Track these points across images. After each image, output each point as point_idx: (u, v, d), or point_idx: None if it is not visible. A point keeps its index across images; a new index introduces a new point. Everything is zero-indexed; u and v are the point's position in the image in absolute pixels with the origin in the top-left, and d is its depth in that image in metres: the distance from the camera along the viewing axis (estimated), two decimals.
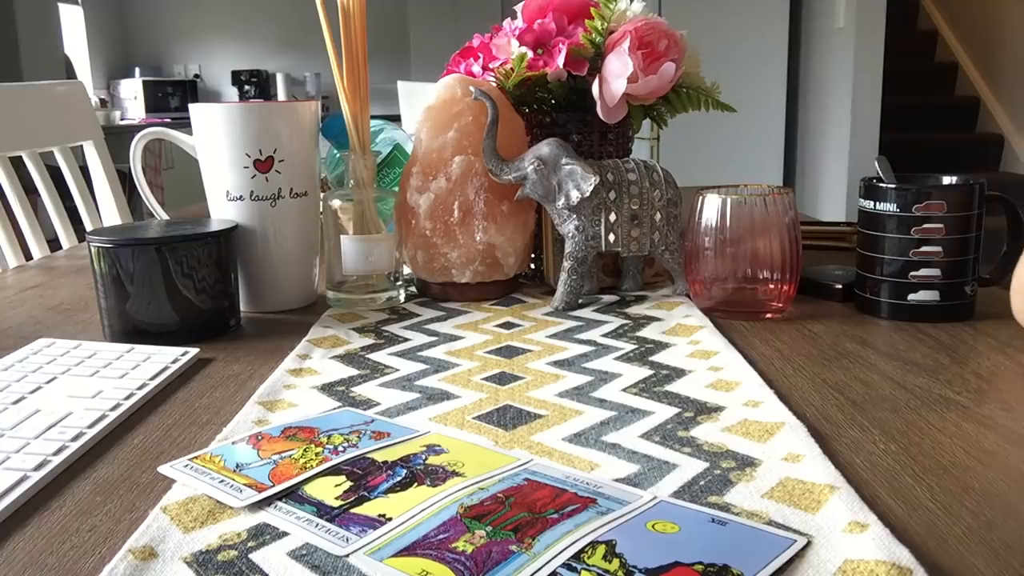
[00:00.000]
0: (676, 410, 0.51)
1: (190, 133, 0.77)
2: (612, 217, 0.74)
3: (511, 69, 0.79)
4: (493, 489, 0.41)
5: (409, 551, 0.36)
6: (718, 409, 0.51)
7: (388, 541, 0.37)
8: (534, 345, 0.65)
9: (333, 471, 0.44)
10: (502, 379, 0.58)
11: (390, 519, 0.38)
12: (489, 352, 0.64)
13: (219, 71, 6.11)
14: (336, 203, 0.77)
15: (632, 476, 0.43)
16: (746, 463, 0.44)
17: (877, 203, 0.68)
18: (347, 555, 0.36)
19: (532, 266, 0.86)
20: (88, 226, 1.36)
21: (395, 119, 1.36)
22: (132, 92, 5.70)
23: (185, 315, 0.67)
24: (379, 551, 0.36)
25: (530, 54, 0.78)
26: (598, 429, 0.49)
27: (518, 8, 0.82)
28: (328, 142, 0.89)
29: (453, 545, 0.36)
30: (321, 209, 0.79)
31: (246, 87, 5.95)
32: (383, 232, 0.77)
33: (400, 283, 0.79)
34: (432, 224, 0.76)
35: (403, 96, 2.29)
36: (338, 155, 0.96)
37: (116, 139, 2.04)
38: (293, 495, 0.41)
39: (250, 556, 0.36)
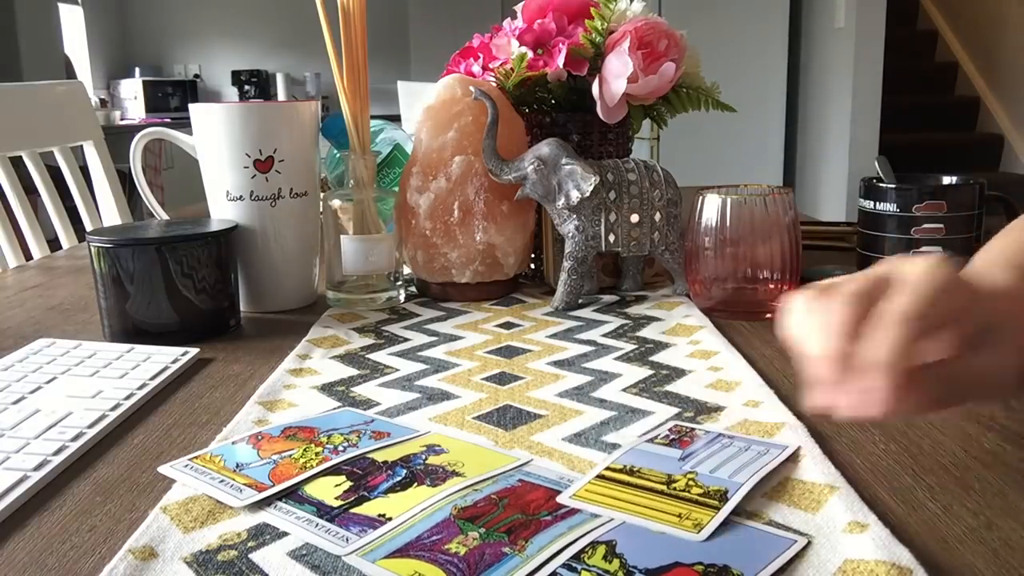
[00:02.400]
0: (676, 410, 0.51)
1: (190, 133, 0.77)
2: (612, 217, 0.74)
3: (511, 69, 0.79)
4: (487, 490, 0.41)
5: (402, 552, 0.36)
6: (718, 409, 0.51)
7: (382, 542, 0.37)
8: (534, 345, 0.65)
9: (333, 471, 0.44)
10: (502, 379, 0.58)
11: (390, 519, 0.38)
12: (489, 352, 0.64)
13: (219, 71, 6.10)
14: (336, 203, 0.77)
15: None
16: None
17: (877, 203, 0.68)
18: (345, 555, 0.36)
19: (532, 266, 0.86)
20: (88, 226, 1.36)
21: (395, 119, 1.36)
22: (132, 92, 5.70)
23: (185, 315, 0.67)
24: (372, 552, 0.36)
25: (530, 54, 0.78)
26: (598, 429, 0.49)
27: (518, 8, 0.82)
28: (328, 142, 0.89)
29: (446, 547, 0.36)
30: (321, 209, 0.79)
31: (246, 87, 5.94)
32: (383, 232, 0.77)
33: (400, 283, 0.79)
34: (432, 224, 0.76)
35: (403, 96, 2.29)
36: (338, 155, 0.96)
37: (116, 139, 2.04)
38: (293, 495, 0.41)
39: (250, 556, 0.36)
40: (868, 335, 0.34)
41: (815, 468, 0.42)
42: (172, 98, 5.75)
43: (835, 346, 0.34)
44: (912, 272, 0.35)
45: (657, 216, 0.75)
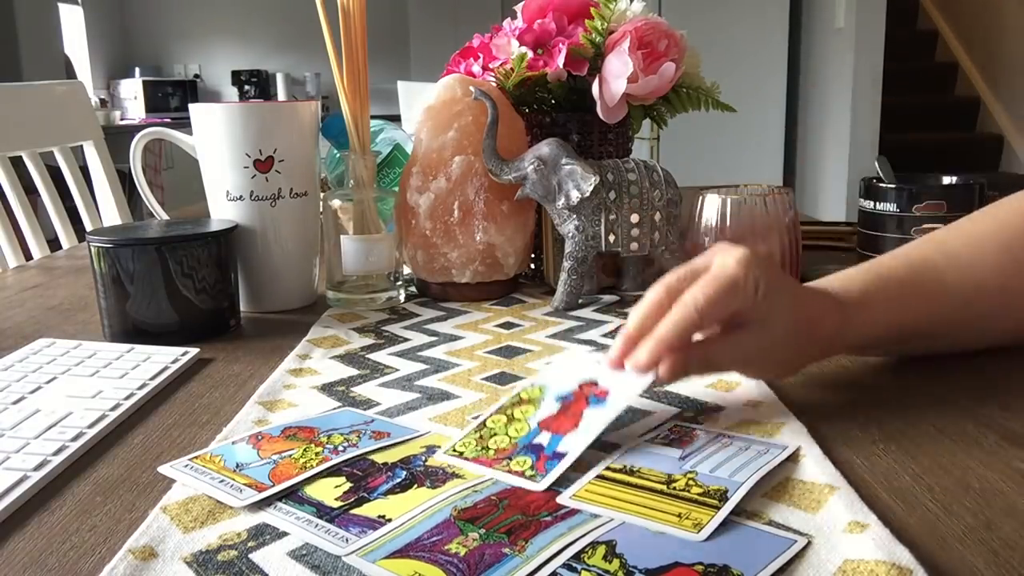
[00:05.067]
0: (676, 410, 0.51)
1: (190, 133, 0.77)
2: (612, 217, 0.74)
3: (511, 69, 0.79)
4: (487, 491, 0.41)
5: (402, 553, 0.36)
6: (718, 409, 0.51)
7: (382, 543, 0.37)
8: (534, 345, 0.65)
9: (333, 472, 0.44)
10: (502, 379, 0.58)
11: (390, 520, 0.38)
12: (489, 352, 0.64)
13: (219, 71, 6.10)
14: (336, 203, 0.77)
15: None
16: None
17: (877, 203, 0.68)
18: (345, 555, 0.36)
19: (532, 266, 0.86)
20: (88, 226, 1.36)
21: (395, 119, 1.36)
22: (132, 92, 5.70)
23: (185, 315, 0.67)
24: (372, 552, 0.36)
25: (530, 54, 0.78)
26: None
27: (518, 8, 0.82)
28: (328, 142, 0.89)
29: (446, 547, 0.36)
30: (321, 209, 0.79)
31: (246, 87, 5.94)
32: (383, 232, 0.77)
33: (400, 283, 0.79)
34: (432, 224, 0.76)
35: (403, 96, 2.29)
36: (338, 155, 0.96)
37: (116, 139, 2.04)
38: (293, 495, 0.41)
39: (250, 556, 0.36)
40: (665, 315, 0.46)
41: (815, 468, 0.42)
42: (172, 98, 5.75)
43: (633, 323, 0.47)
44: (713, 266, 0.47)
45: (657, 216, 0.75)
